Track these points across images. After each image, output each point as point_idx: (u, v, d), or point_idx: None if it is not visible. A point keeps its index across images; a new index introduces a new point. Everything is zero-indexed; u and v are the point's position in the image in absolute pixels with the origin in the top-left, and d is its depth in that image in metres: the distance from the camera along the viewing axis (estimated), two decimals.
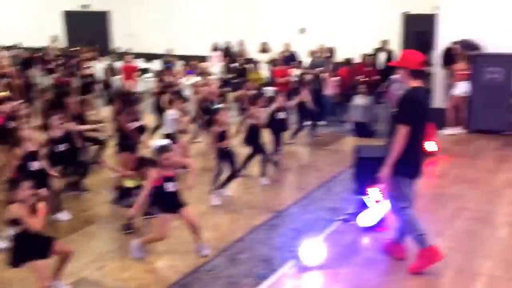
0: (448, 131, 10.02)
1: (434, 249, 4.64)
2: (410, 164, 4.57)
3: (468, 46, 10.11)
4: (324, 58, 12.88)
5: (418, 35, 12.31)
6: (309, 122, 10.43)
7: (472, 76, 9.97)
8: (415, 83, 4.56)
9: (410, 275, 4.66)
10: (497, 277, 4.63)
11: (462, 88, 9.97)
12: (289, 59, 13.93)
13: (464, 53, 9.97)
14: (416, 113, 4.51)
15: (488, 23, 10.11)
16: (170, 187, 5.02)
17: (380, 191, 5.92)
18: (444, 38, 10.64)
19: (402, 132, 4.43)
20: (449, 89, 10.42)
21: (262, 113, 7.71)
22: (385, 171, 4.58)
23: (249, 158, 7.50)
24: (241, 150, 7.50)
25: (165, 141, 5.61)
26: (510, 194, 6.71)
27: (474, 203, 6.42)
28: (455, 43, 10.27)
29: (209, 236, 5.50)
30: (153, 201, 5.09)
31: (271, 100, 8.52)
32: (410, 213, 4.70)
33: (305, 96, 9.82)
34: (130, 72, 12.75)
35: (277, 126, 8.18)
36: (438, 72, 10.97)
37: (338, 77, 11.67)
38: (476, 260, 4.93)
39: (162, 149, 5.09)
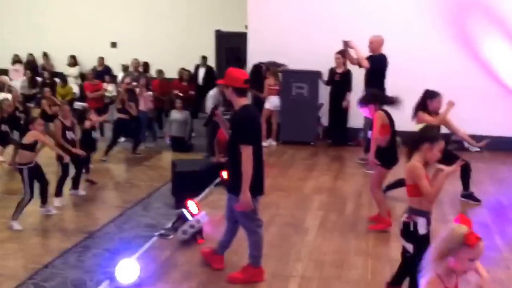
0: None
1: (261, 271, 4.78)
2: (256, 182, 4.51)
3: (273, 64, 10.69)
4: (138, 72, 12.64)
5: (230, 51, 12.73)
6: (123, 139, 10.15)
7: (282, 91, 10.56)
8: (243, 101, 4.55)
9: (228, 285, 4.68)
10: (308, 277, 4.85)
11: (272, 102, 10.48)
12: (104, 73, 13.48)
13: (274, 69, 10.52)
14: (254, 131, 4.50)
15: (292, 42, 10.83)
16: None
17: (195, 204, 5.93)
18: (253, 54, 11.15)
19: (247, 152, 4.36)
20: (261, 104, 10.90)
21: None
22: (246, 195, 4.42)
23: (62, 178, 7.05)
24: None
25: None
26: (318, 199, 7.15)
27: (286, 209, 6.71)
28: (261, 63, 10.82)
29: (11, 266, 4.97)
30: None
31: (81, 116, 8.12)
32: (261, 234, 4.75)
33: (133, 109, 9.62)
34: None
35: (88, 144, 7.83)
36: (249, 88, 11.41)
37: (152, 92, 11.51)
38: (289, 263, 5.12)
39: None
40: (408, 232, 3.95)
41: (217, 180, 7.70)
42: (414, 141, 3.98)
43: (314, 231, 5.98)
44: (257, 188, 4.55)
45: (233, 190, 4.53)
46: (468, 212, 6.75)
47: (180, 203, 6.43)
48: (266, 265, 5.05)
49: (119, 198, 7.39)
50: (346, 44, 8.82)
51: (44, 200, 6.73)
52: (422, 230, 3.89)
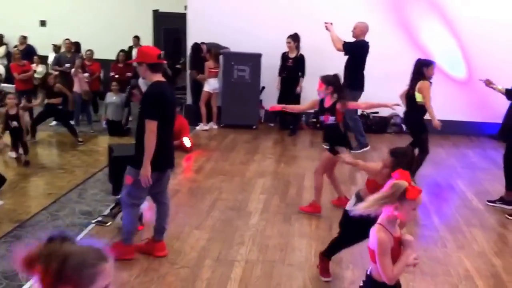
0: (201, 126, 10.29)
1: (131, 249, 4.75)
2: (159, 157, 4.47)
3: (215, 46, 10.52)
4: (71, 53, 12.11)
5: (168, 32, 12.43)
6: (54, 122, 9.78)
7: (223, 73, 10.41)
8: (157, 77, 4.53)
9: (172, 270, 4.56)
10: (253, 261, 4.80)
11: (212, 84, 10.31)
12: (28, 53, 12.84)
13: (214, 51, 10.34)
14: (161, 107, 4.45)
15: (233, 24, 10.69)
16: None
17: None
18: (193, 36, 10.94)
19: (150, 127, 4.37)
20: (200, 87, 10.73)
21: None
22: (146, 170, 4.41)
23: None
24: None
25: None
26: (261, 183, 7.11)
27: (229, 193, 6.63)
28: (202, 43, 10.62)
29: None
30: None
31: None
32: (136, 212, 4.76)
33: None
34: None
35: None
36: (188, 69, 11.22)
37: (87, 74, 11.05)
38: (233, 247, 5.05)
39: None
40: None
41: None
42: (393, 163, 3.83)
43: (257, 215, 5.94)
44: (160, 164, 4.54)
45: (135, 163, 4.52)
46: None
47: (117, 189, 6.21)
48: (209, 250, 4.97)
49: (51, 185, 7.02)
50: (326, 26, 8.64)
51: None
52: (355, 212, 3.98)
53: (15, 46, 13.57)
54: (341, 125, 5.80)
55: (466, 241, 5.45)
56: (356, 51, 8.60)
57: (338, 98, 5.73)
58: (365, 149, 8.95)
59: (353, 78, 8.57)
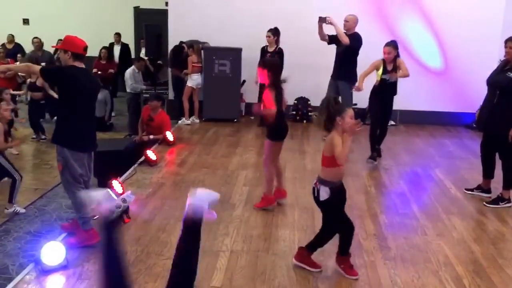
0: (184, 121, 10.38)
1: (94, 233, 4.81)
2: (75, 136, 4.72)
3: (195, 42, 10.59)
4: (41, 51, 12.04)
5: (149, 29, 12.46)
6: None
7: (204, 68, 10.49)
8: (76, 64, 4.75)
9: (159, 261, 4.64)
10: (237, 251, 4.91)
11: (195, 80, 10.40)
12: (15, 52, 12.80)
13: (197, 46, 10.41)
14: (66, 80, 4.67)
15: (213, 19, 10.78)
16: None
17: (120, 184, 5.83)
18: (174, 32, 11.01)
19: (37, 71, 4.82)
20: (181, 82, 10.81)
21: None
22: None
23: None
24: None
25: None
26: (243, 175, 7.21)
27: (212, 186, 6.68)
28: (181, 42, 10.70)
29: None
30: None
31: None
32: (80, 195, 4.76)
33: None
34: None
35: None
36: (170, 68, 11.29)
37: None
38: (218, 238, 5.16)
39: None
40: (314, 197, 4.43)
41: (141, 159, 7.60)
42: (326, 120, 4.16)
43: (241, 206, 6.04)
44: (77, 143, 4.75)
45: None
46: (386, 182, 7.07)
47: (102, 183, 6.29)
48: None
49: (38, 180, 7.09)
50: (322, 20, 8.47)
51: None
52: (323, 197, 4.29)
53: (3, 45, 13.50)
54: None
55: (445, 229, 5.59)
56: (357, 44, 8.65)
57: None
58: None
59: (351, 70, 8.67)
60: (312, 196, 4.48)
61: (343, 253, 4.51)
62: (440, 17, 10.66)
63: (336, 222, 4.43)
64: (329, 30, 8.65)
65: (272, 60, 6.17)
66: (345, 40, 8.50)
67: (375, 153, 7.89)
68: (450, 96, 10.92)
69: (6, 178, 6.34)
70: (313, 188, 4.41)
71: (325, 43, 8.82)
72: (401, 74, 7.55)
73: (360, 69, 8.12)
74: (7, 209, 5.99)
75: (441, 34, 10.77)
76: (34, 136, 9.83)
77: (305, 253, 4.59)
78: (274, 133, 5.84)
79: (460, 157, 8.62)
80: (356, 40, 8.60)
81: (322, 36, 8.77)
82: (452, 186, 7.02)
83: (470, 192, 6.73)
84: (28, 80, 10.17)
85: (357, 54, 8.72)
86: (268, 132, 5.90)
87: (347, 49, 8.59)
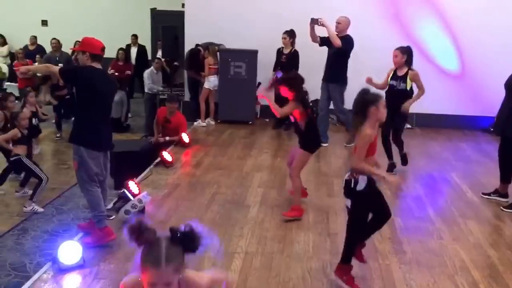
0: (199, 123, 10.43)
1: (108, 231, 4.88)
2: (92, 135, 4.80)
3: (210, 44, 10.63)
4: (59, 52, 12.15)
5: (166, 30, 12.53)
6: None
7: (220, 70, 10.53)
8: (94, 65, 4.82)
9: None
10: (252, 253, 4.92)
11: (212, 82, 10.45)
12: (36, 53, 12.96)
13: (213, 48, 10.46)
14: (83, 80, 4.75)
15: (229, 21, 10.82)
16: None
17: (136, 184, 5.88)
18: (191, 34, 11.07)
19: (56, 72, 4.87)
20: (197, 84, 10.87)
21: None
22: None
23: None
24: None
25: None
26: (258, 177, 7.23)
27: (227, 188, 6.75)
28: (197, 45, 10.75)
29: None
30: None
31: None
32: (94, 192, 4.90)
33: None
34: None
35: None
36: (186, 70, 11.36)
37: None
38: (233, 240, 5.17)
39: None
40: (349, 189, 4.15)
41: (157, 160, 7.65)
42: (360, 110, 4.06)
43: (255, 208, 6.06)
44: (93, 141, 4.82)
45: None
46: (402, 185, 7.03)
47: (119, 184, 6.35)
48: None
49: (55, 180, 7.16)
50: (314, 21, 8.44)
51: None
52: (361, 186, 4.07)
53: (25, 46, 13.70)
54: (301, 124, 5.66)
55: (461, 233, 5.55)
56: (348, 47, 8.60)
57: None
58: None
59: (342, 73, 8.63)
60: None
61: (348, 258, 4.30)
62: (458, 20, 10.57)
63: (364, 220, 4.27)
64: (322, 32, 8.64)
65: (290, 76, 5.85)
66: (337, 42, 8.46)
67: (392, 162, 7.50)
68: (467, 99, 10.83)
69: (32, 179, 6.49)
70: (347, 181, 4.16)
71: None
72: (416, 97, 7.22)
73: (354, 72, 8.11)
74: (26, 207, 6.07)
75: (458, 37, 10.68)
76: (58, 135, 9.93)
77: (343, 267, 4.31)
78: (309, 144, 5.76)
79: (477, 161, 8.55)
80: (347, 43, 8.55)
81: (313, 37, 8.76)
82: (468, 190, 6.97)
83: (487, 197, 6.67)
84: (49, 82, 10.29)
85: (348, 56, 8.68)
86: (302, 142, 5.77)
87: (338, 52, 8.55)
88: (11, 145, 6.42)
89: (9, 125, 6.83)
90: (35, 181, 6.34)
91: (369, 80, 7.21)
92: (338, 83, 8.61)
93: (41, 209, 6.11)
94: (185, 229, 2.21)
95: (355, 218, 4.22)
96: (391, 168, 7.41)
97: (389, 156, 7.48)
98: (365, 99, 4.06)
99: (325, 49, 8.86)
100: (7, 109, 7.31)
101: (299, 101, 5.56)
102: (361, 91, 4.17)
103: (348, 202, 4.20)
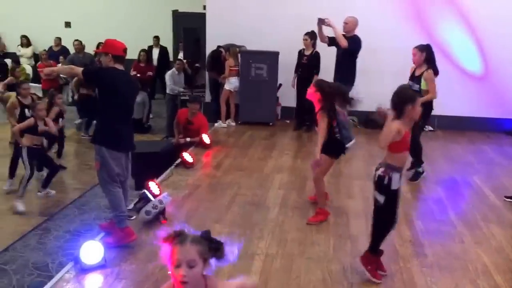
0: (220, 124, 10.47)
1: (129, 231, 4.92)
2: (113, 136, 4.83)
3: (231, 45, 10.66)
4: (83, 53, 12.36)
5: (188, 32, 12.61)
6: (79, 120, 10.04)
7: (241, 71, 10.56)
8: (117, 66, 4.87)
9: None
10: (272, 254, 4.92)
11: (232, 83, 10.48)
12: (60, 54, 13.16)
13: (234, 50, 10.49)
14: (105, 81, 4.78)
15: (250, 23, 10.84)
16: None
17: (157, 185, 5.92)
18: (212, 35, 11.12)
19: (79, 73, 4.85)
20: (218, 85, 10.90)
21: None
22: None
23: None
24: None
25: None
26: (278, 178, 7.23)
27: (248, 189, 6.76)
28: (219, 47, 10.79)
29: None
30: None
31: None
32: (115, 192, 4.93)
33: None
34: None
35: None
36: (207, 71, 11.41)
37: None
38: (253, 241, 5.18)
39: None
40: (382, 185, 4.16)
41: (178, 161, 7.69)
42: (397, 106, 4.05)
43: (276, 210, 6.06)
44: (114, 141, 4.84)
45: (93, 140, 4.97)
46: (423, 188, 6.97)
47: (140, 184, 6.40)
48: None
49: (77, 180, 7.27)
50: (321, 21, 8.39)
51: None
52: (395, 185, 4.12)
53: (50, 47, 13.91)
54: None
55: (483, 237, 5.48)
56: (355, 47, 8.53)
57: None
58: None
59: (350, 73, 8.57)
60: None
61: (375, 249, 4.42)
62: (481, 21, 10.45)
63: (394, 212, 4.29)
64: (331, 32, 8.60)
65: (330, 86, 5.63)
66: (343, 43, 8.41)
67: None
68: (490, 101, 10.69)
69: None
70: (381, 176, 4.15)
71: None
72: (423, 98, 6.45)
73: (363, 72, 8.04)
74: (40, 192, 6.22)
75: (481, 38, 10.56)
76: (83, 134, 10.09)
77: (370, 256, 4.44)
78: (333, 149, 5.69)
79: (500, 164, 8.43)
80: (354, 43, 8.48)
81: (322, 37, 8.75)
82: (491, 194, 6.88)
83: (510, 200, 6.58)
84: (75, 79, 10.46)
85: (355, 57, 8.61)
86: (326, 147, 5.62)
87: (345, 52, 8.50)
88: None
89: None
90: (57, 180, 6.45)
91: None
92: (346, 83, 8.54)
93: (53, 191, 6.48)
94: (215, 237, 2.34)
95: (385, 215, 4.27)
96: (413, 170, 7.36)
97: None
98: (403, 97, 4.06)
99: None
100: (55, 105, 7.73)
101: (326, 112, 5.50)
102: (401, 88, 4.17)
103: (378, 196, 4.22)
